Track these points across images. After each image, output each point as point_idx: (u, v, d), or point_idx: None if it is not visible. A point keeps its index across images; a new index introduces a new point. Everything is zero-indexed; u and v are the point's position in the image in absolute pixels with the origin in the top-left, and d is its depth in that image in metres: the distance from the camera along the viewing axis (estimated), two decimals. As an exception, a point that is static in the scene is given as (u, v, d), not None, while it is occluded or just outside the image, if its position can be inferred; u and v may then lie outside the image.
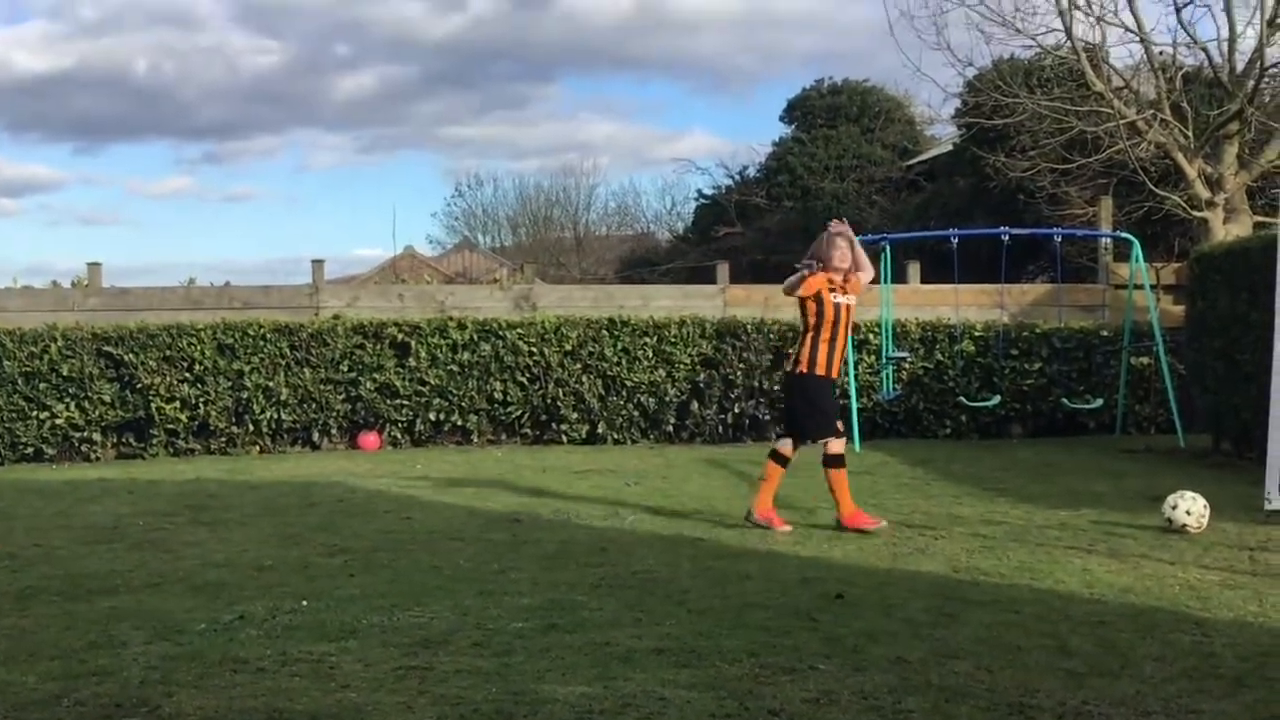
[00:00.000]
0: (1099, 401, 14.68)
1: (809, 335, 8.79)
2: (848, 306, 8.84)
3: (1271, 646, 5.43)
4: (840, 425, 9.00)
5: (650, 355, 15.07)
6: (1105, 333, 15.61)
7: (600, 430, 15.03)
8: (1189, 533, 8.30)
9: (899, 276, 16.27)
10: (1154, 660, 5.22)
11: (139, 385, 14.16)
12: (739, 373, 15.09)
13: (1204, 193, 16.68)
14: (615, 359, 15.01)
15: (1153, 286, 15.58)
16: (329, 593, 6.66)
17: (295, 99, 67.10)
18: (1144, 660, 5.22)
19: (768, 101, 73.36)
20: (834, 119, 30.76)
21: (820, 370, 8.76)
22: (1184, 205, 16.81)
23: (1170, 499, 8.52)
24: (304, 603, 6.40)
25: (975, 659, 5.24)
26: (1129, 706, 4.58)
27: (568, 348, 14.95)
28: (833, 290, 8.78)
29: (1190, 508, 8.42)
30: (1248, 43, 16.71)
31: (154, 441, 14.27)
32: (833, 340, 8.78)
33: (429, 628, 5.85)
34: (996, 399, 14.61)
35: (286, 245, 70.63)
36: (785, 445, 8.94)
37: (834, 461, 8.83)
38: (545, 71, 70.49)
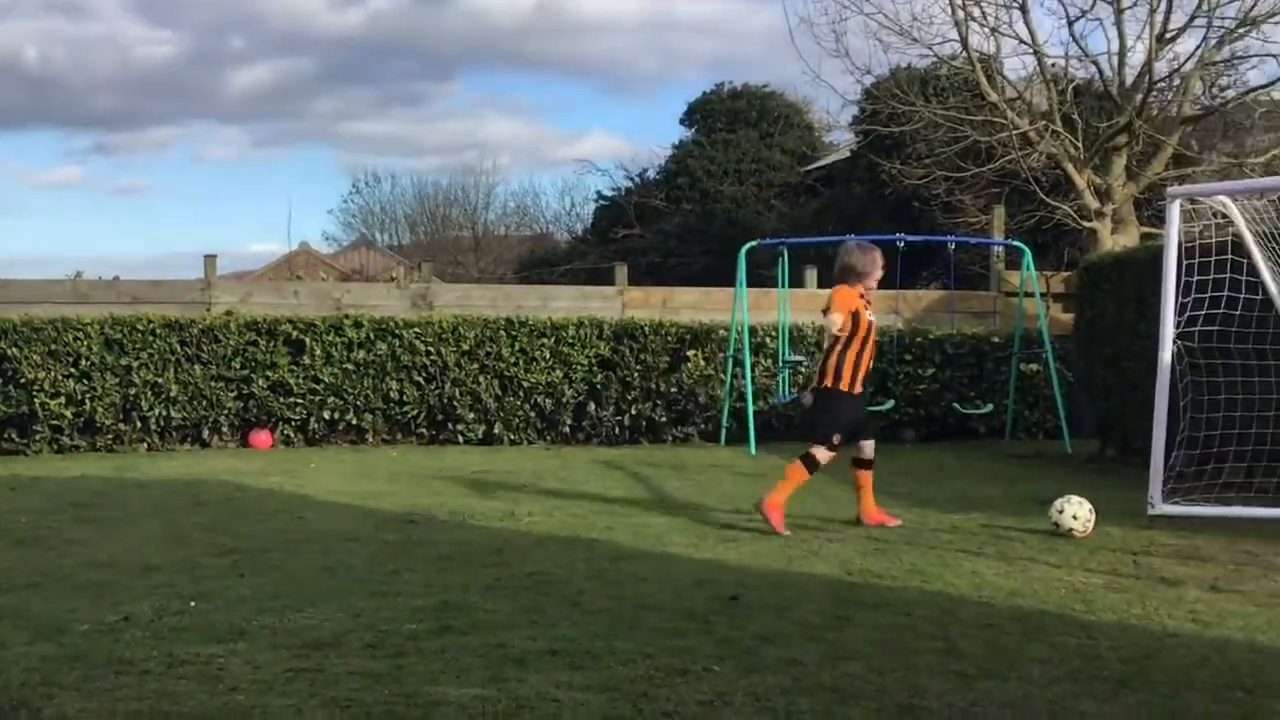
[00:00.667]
0: (989, 407, 14.92)
1: (838, 349, 8.88)
2: (873, 322, 8.98)
3: (1153, 648, 5.56)
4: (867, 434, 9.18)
5: (548, 356, 15.02)
6: (996, 339, 15.88)
7: (497, 431, 14.96)
8: (1075, 536, 8.47)
9: (796, 281, 16.40)
10: (1040, 662, 5.31)
11: (22, 380, 13.78)
12: (636, 374, 15.10)
13: (1093, 203, 17.04)
14: (512, 359, 14.95)
15: (1043, 294, 15.90)
16: (217, 593, 6.54)
17: (190, 91, 65.90)
18: (1031, 662, 5.31)
19: (668, 104, 73.78)
20: (734, 123, 30.93)
21: (845, 385, 8.84)
22: (1074, 215, 17.16)
23: (1057, 503, 8.69)
24: (191, 603, 6.28)
25: (867, 661, 5.29)
26: (1016, 708, 4.66)
27: (465, 347, 14.85)
28: (866, 305, 8.94)
29: (1076, 512, 8.59)
30: (1137, 57, 17.14)
31: (37, 438, 13.91)
32: (860, 354, 8.87)
33: (320, 629, 5.77)
34: (891, 403, 14.79)
35: (180, 240, 69.42)
36: (820, 452, 8.90)
37: (862, 464, 9.12)
38: (446, 69, 70.13)
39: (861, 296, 8.93)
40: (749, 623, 5.96)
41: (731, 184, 28.86)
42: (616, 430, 15.22)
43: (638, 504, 10.10)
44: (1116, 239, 16.83)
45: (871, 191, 22.74)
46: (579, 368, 15.06)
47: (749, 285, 14.94)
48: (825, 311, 8.92)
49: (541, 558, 7.65)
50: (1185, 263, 9.72)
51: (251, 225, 74.04)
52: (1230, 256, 9.77)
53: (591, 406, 15.14)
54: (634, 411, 15.17)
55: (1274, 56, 16.53)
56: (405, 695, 4.70)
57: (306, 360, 14.53)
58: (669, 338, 15.26)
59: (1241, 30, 16.53)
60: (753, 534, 8.57)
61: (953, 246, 15.51)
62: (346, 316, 14.90)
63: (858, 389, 8.90)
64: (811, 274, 17.10)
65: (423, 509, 9.59)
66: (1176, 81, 17.30)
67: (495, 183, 68.28)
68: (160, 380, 14.15)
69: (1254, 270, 9.69)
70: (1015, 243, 16.12)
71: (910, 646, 5.55)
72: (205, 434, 14.46)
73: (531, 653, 5.35)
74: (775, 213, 27.62)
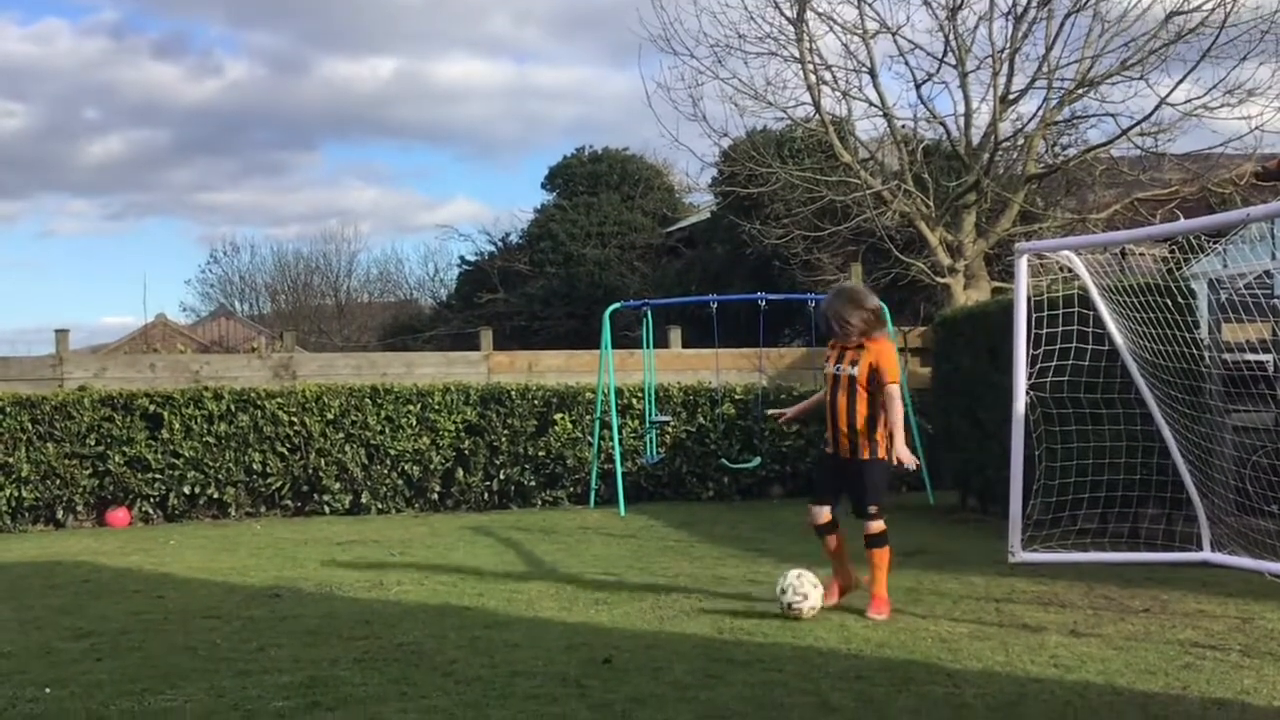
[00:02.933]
0: (854, 461, 15.11)
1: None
2: (847, 376, 8.06)
3: (1018, 695, 5.67)
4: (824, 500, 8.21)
5: (414, 423, 14.90)
6: (858, 394, 16.12)
7: (364, 500, 14.76)
8: (803, 613, 7.62)
9: (661, 341, 16.54)
10: (910, 712, 5.39)
11: None
12: (504, 439, 15.05)
13: (946, 259, 17.50)
14: (379, 427, 14.79)
15: (900, 350, 16.23)
16: (74, 679, 6.32)
17: (39, 163, 64.43)
18: (900, 713, 5.38)
19: (530, 169, 74.00)
20: (595, 186, 31.20)
21: (825, 444, 8.29)
22: (928, 271, 17.60)
23: (780, 583, 7.79)
24: (47, 690, 6.07)
25: (741, 718, 5.31)
26: (887, 759, 4.71)
27: (329, 416, 14.67)
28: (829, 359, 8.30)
29: (794, 586, 7.69)
30: (982, 118, 17.73)
31: (-120, 523, 13.36)
32: (827, 409, 8.19)
33: (183, 712, 5.62)
34: (757, 460, 14.94)
35: (29, 315, 67.43)
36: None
37: (873, 541, 7.99)
38: (306, 138, 69.63)
39: (831, 347, 8.35)
40: (622, 685, 5.95)
41: (594, 246, 29.06)
42: (485, 496, 15.12)
43: (508, 569, 10.03)
44: (969, 294, 17.30)
45: (732, 251, 23.06)
46: (446, 434, 14.96)
47: (614, 346, 15.02)
48: (890, 381, 7.90)
49: (411, 628, 7.55)
50: (1035, 315, 10.02)
51: (105, 298, 72.39)
52: (1077, 309, 10.10)
53: (460, 473, 15.03)
54: (503, 476, 15.10)
55: (1112, 115, 17.23)
56: (273, 775, 4.60)
57: (165, 434, 14.20)
58: (536, 401, 15.24)
59: (1080, 91, 17.22)
60: (624, 595, 8.57)
61: (813, 304, 15.80)
62: (206, 389, 14.61)
63: (828, 449, 8.25)
64: (676, 334, 17.25)
65: (288, 582, 9.41)
66: (1020, 141, 17.92)
67: (357, 250, 67.88)
68: (11, 460, 13.72)
69: (1100, 322, 10.02)
70: (873, 299, 16.45)
71: (782, 702, 5.59)
72: (60, 514, 14.02)
73: (403, 726, 5.28)
74: (638, 274, 27.85)
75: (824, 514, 8.13)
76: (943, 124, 18.27)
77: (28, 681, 6.27)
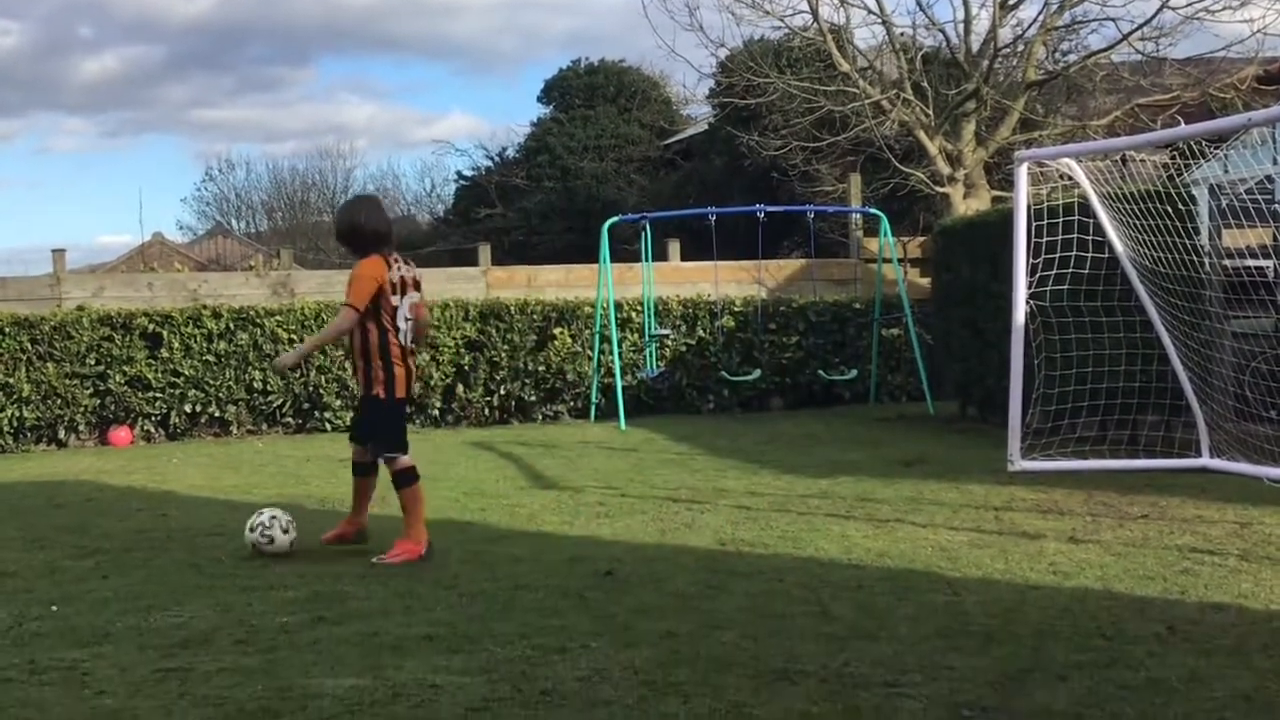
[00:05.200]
0: (854, 372, 15.16)
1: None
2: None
3: (1016, 602, 5.71)
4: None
5: (413, 339, 14.86)
6: (857, 305, 16.13)
7: (364, 417, 14.77)
8: (280, 549, 7.30)
9: (659, 255, 16.48)
10: (909, 621, 5.43)
11: None
12: (504, 355, 15.04)
13: (945, 169, 17.39)
14: (377, 344, 14.76)
15: (900, 260, 16.19)
16: (80, 596, 6.37)
17: (35, 81, 63.74)
18: (900, 621, 5.42)
19: (527, 83, 73.24)
20: (592, 99, 30.91)
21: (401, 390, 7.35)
22: (927, 181, 17.49)
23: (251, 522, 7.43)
24: (53, 608, 6.11)
25: (742, 628, 5.35)
26: (887, 666, 4.75)
27: (328, 334, 14.62)
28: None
29: (264, 526, 7.35)
30: (982, 24, 17.53)
31: (-117, 445, 13.40)
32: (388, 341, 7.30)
33: (189, 627, 5.66)
34: (757, 373, 14.95)
35: (25, 234, 67.14)
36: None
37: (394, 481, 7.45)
38: (301, 53, 68.79)
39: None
40: (624, 597, 5.99)
41: (592, 160, 28.85)
42: (486, 411, 15.15)
43: (510, 484, 10.08)
44: (968, 203, 17.20)
45: (730, 163, 22.90)
46: (446, 350, 14.95)
47: (613, 260, 14.97)
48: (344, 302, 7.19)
49: (414, 543, 7.58)
50: (1034, 224, 9.99)
51: (101, 217, 71.96)
52: (1077, 217, 10.05)
53: (460, 388, 15.05)
54: (503, 392, 15.12)
55: (1113, 20, 17.01)
56: (279, 689, 4.64)
57: (165, 353, 14.20)
58: (535, 316, 15.22)
59: (1081, -5, 16.98)
60: (625, 509, 8.61)
61: (811, 215, 15.73)
62: (205, 307, 14.58)
63: (399, 391, 7.28)
64: (674, 247, 17.18)
65: (291, 499, 9.44)
66: (1020, 47, 17.72)
67: (353, 165, 67.47)
68: (11, 380, 13.72)
69: (1100, 229, 9.98)
70: (872, 210, 16.40)
71: (783, 612, 5.63)
72: (61, 433, 14.06)
73: (407, 639, 5.32)
74: (636, 187, 27.69)
75: (357, 452, 7.58)
76: (942, 31, 18.06)
77: (34, 600, 6.32)
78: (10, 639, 5.56)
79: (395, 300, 7.18)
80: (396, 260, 7.27)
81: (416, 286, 7.40)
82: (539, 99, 33.05)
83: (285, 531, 7.34)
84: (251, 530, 7.34)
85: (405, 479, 7.31)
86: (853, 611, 5.62)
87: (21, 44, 64.05)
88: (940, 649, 4.98)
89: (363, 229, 7.25)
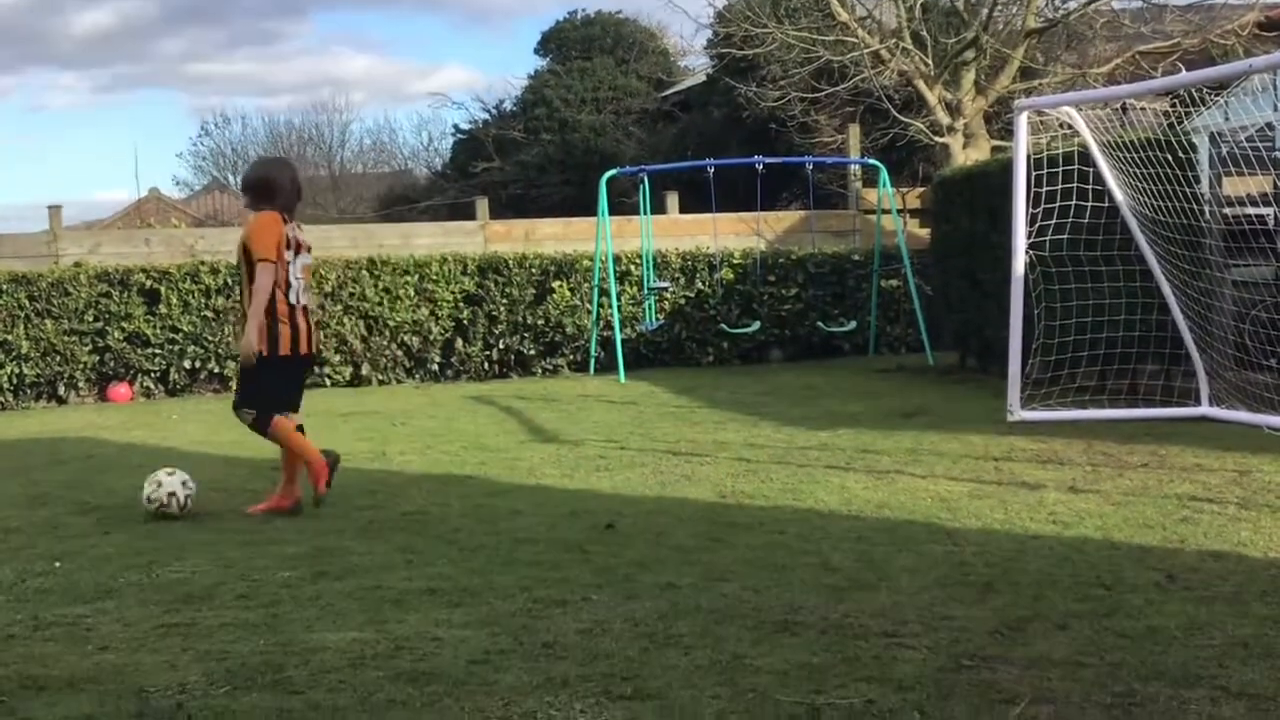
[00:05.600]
0: (853, 324, 15.16)
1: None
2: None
3: (1015, 552, 5.72)
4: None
5: (412, 294, 14.87)
6: (857, 257, 16.10)
7: (364, 372, 14.80)
8: (175, 510, 7.24)
9: (658, 207, 16.43)
10: (909, 572, 5.44)
11: None
12: (503, 309, 15.03)
13: (944, 119, 17.31)
14: (377, 299, 14.77)
15: (900, 211, 16.14)
16: (82, 552, 6.38)
17: (28, 36, 63.27)
18: (900, 572, 5.44)
19: (524, 35, 72.78)
20: (589, 51, 30.71)
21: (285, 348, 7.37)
22: (926, 131, 17.41)
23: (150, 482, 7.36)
24: (56, 564, 6.12)
25: (742, 580, 5.36)
26: (887, 617, 4.77)
27: (327, 289, 14.63)
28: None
29: (165, 484, 7.30)
30: (982, -29, 17.36)
31: (-117, 403, 13.41)
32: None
33: (191, 582, 5.67)
34: (756, 325, 14.94)
35: (21, 191, 66.91)
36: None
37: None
38: (296, 6, 68.21)
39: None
40: (625, 550, 6.00)
41: (589, 112, 28.69)
42: (485, 365, 15.16)
43: (510, 438, 10.09)
44: (968, 153, 17.14)
45: (729, 115, 22.79)
46: (445, 304, 14.94)
47: (611, 213, 14.93)
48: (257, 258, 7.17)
49: (415, 497, 7.61)
50: (1034, 173, 9.96)
51: (97, 173, 71.60)
52: (1077, 166, 10.01)
53: (459, 343, 15.05)
54: (502, 346, 15.12)
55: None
56: (282, 644, 4.65)
57: (163, 309, 14.19)
58: (534, 270, 15.20)
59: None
60: (626, 462, 8.62)
61: (810, 167, 15.66)
62: (203, 263, 14.56)
63: (283, 349, 7.28)
64: (673, 199, 17.13)
65: (291, 455, 9.45)
66: (1021, -6, 17.58)
67: (350, 120, 67.10)
68: (9, 337, 13.71)
69: (1100, 178, 9.94)
70: (871, 161, 16.33)
71: (784, 564, 5.64)
72: (61, 390, 14.07)
73: (409, 593, 5.33)
74: (634, 140, 27.56)
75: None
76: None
77: (37, 555, 6.33)
78: (13, 595, 5.57)
79: (288, 256, 7.22)
80: (289, 221, 7.32)
81: (308, 250, 7.46)
82: (536, 51, 32.87)
83: (184, 484, 7.29)
84: (150, 501, 7.26)
85: (261, 427, 7.34)
86: (852, 563, 5.63)
87: (14, -1, 63.60)
88: (940, 599, 4.99)
89: (276, 185, 7.31)
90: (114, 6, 65.84)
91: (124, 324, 14.08)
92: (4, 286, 13.76)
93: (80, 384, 14.17)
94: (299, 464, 7.42)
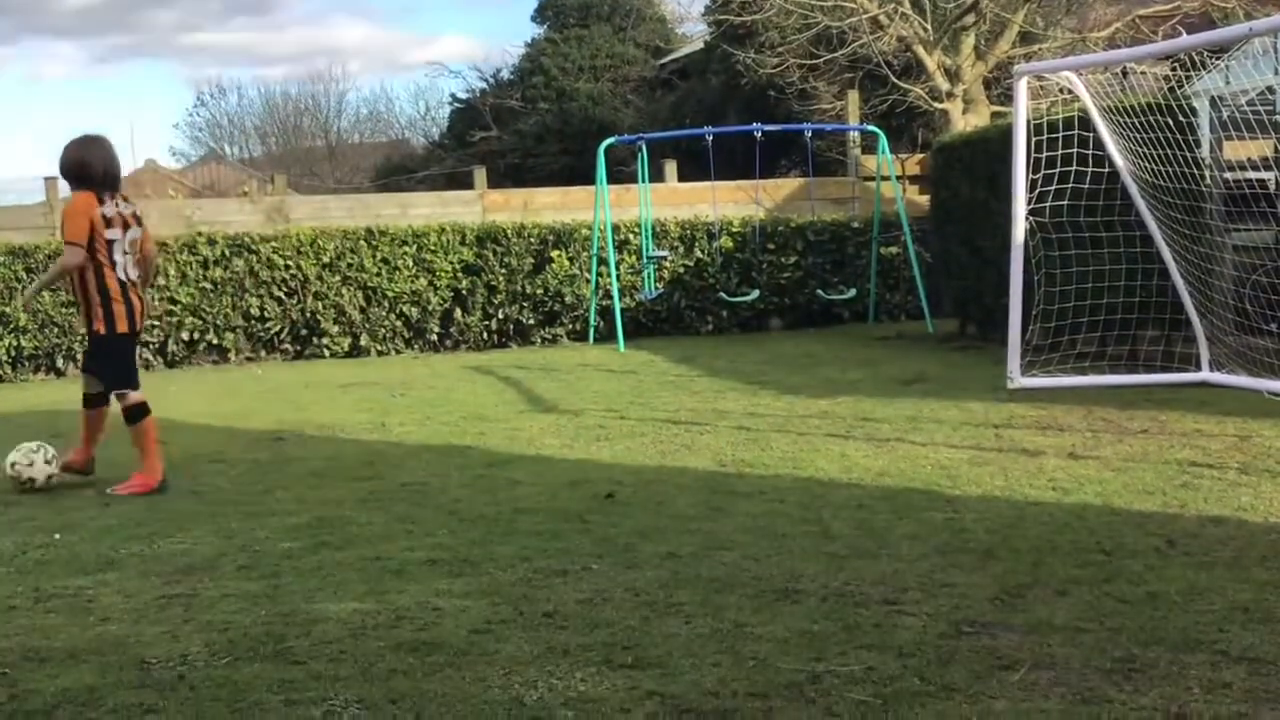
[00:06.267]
0: (852, 292, 15.14)
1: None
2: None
3: (1015, 519, 5.73)
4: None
5: (411, 264, 14.84)
6: (856, 224, 16.06)
7: (363, 342, 14.78)
8: (35, 482, 7.35)
9: (656, 176, 16.38)
10: (909, 539, 5.45)
11: None
12: (501, 278, 15.00)
13: (944, 84, 17.24)
14: (375, 269, 14.74)
15: (899, 178, 16.09)
16: (83, 524, 6.39)
17: (22, 7, 62.97)
18: (900, 540, 5.44)
19: (521, 2, 72.34)
20: (586, 18, 30.56)
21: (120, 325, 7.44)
22: (925, 97, 17.35)
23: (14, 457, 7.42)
24: (56, 536, 6.13)
25: (743, 549, 5.37)
26: (887, 584, 4.77)
27: (325, 260, 14.60)
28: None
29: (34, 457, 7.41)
30: (981, -65, 17.25)
31: (-118, 377, 13.39)
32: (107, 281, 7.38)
33: (192, 554, 5.68)
34: (755, 293, 14.92)
35: (16, 163, 66.70)
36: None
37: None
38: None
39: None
40: (625, 519, 6.01)
41: (587, 81, 28.59)
42: (484, 335, 15.14)
43: (509, 408, 10.09)
44: (968, 119, 17.07)
45: (727, 83, 22.70)
46: (443, 274, 14.91)
47: (609, 182, 14.88)
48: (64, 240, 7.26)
49: (415, 468, 7.61)
50: (1034, 139, 9.91)
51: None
52: (1077, 131, 9.97)
53: (458, 313, 15.03)
54: (501, 315, 15.10)
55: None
56: (283, 614, 4.66)
57: (161, 281, 14.15)
58: (532, 240, 15.16)
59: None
60: (625, 431, 8.62)
61: (809, 134, 15.60)
62: (200, 234, 14.52)
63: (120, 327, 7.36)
64: (671, 168, 17.06)
65: (291, 426, 9.46)
66: (1021, -42, 17.48)
67: (346, 90, 66.96)
68: (7, 310, 13.69)
69: (1100, 144, 9.90)
70: (870, 127, 16.26)
71: (784, 532, 5.65)
72: (60, 362, 14.05)
73: (410, 563, 5.34)
74: (632, 108, 27.47)
75: (87, 383, 7.60)
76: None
77: (37, 528, 6.34)
78: (14, 567, 5.58)
79: (109, 234, 7.24)
80: (113, 197, 7.33)
81: (138, 222, 7.49)
82: (532, 18, 32.69)
83: (48, 463, 7.37)
84: (11, 466, 7.34)
85: (135, 414, 7.38)
86: (853, 530, 5.64)
87: (9, -32, 63.19)
88: (940, 566, 5.00)
89: (88, 165, 7.30)
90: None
91: (122, 296, 14.04)
92: (2, 259, 13.72)
93: (78, 356, 14.13)
94: (98, 437, 7.58)
